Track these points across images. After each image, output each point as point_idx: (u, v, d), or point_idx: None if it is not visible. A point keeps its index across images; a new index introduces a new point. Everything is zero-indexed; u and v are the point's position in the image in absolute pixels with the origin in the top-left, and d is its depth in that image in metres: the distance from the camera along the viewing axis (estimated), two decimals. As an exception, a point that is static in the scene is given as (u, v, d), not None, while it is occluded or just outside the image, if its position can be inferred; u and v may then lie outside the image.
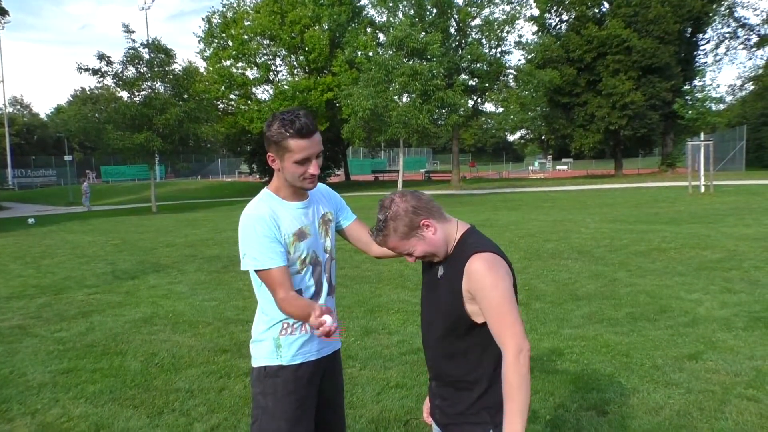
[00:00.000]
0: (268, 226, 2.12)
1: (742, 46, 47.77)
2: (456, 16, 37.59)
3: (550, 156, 66.70)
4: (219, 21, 40.61)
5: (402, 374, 4.59)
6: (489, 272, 1.80)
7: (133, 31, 27.62)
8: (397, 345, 5.33)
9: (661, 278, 7.70)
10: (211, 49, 40.62)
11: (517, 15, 37.23)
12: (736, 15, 47.05)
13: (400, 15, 36.23)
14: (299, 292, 2.20)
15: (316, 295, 2.26)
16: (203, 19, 52.20)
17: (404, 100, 28.76)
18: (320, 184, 2.40)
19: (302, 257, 2.20)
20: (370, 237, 2.34)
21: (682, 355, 4.77)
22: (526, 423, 1.74)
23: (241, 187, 47.68)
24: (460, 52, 37.37)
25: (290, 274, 2.14)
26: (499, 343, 1.79)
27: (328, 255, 2.31)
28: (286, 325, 2.20)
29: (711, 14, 41.32)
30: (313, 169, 2.12)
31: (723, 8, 43.56)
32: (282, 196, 2.20)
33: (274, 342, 2.20)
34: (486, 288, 1.79)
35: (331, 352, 2.33)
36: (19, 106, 79.11)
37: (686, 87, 35.82)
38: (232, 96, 40.97)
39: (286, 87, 38.03)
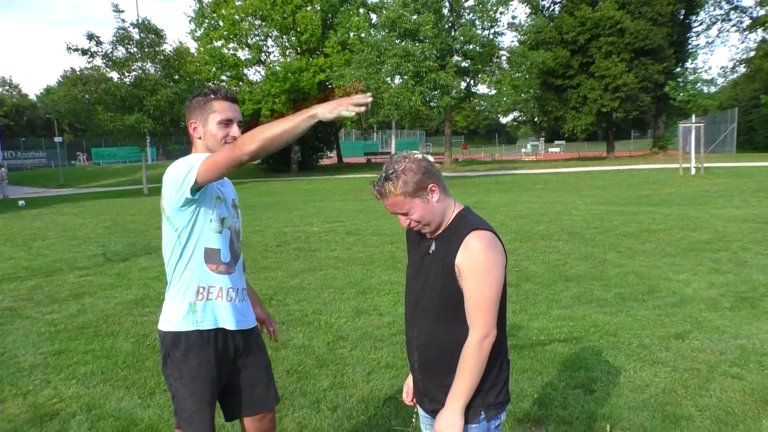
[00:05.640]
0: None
1: (734, 29, 47.79)
2: (449, -4, 37.27)
3: (543, 138, 66.58)
4: (210, 1, 40.11)
5: (392, 354, 4.64)
6: (486, 252, 1.80)
7: (123, 11, 27.30)
8: (388, 326, 5.37)
9: (650, 259, 7.78)
10: (202, 30, 40.15)
11: (511, -5, 36.96)
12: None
13: (393, -5, 35.86)
14: (216, 252, 2.17)
15: (233, 262, 2.24)
16: (194, -2, 51.51)
17: (396, 81, 28.59)
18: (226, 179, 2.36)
19: (222, 218, 2.19)
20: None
21: (669, 334, 4.84)
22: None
23: (233, 169, 47.24)
24: (453, 34, 37.07)
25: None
26: (470, 322, 1.82)
27: (238, 238, 2.32)
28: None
29: (704, -5, 41.20)
30: (236, 131, 2.17)
31: (716, -10, 43.43)
32: None
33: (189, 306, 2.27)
34: (478, 267, 1.79)
35: (238, 328, 2.26)
36: (8, 87, 78.14)
37: (678, 69, 35.79)
38: (223, 77, 40.55)
39: (278, 68, 37.66)
